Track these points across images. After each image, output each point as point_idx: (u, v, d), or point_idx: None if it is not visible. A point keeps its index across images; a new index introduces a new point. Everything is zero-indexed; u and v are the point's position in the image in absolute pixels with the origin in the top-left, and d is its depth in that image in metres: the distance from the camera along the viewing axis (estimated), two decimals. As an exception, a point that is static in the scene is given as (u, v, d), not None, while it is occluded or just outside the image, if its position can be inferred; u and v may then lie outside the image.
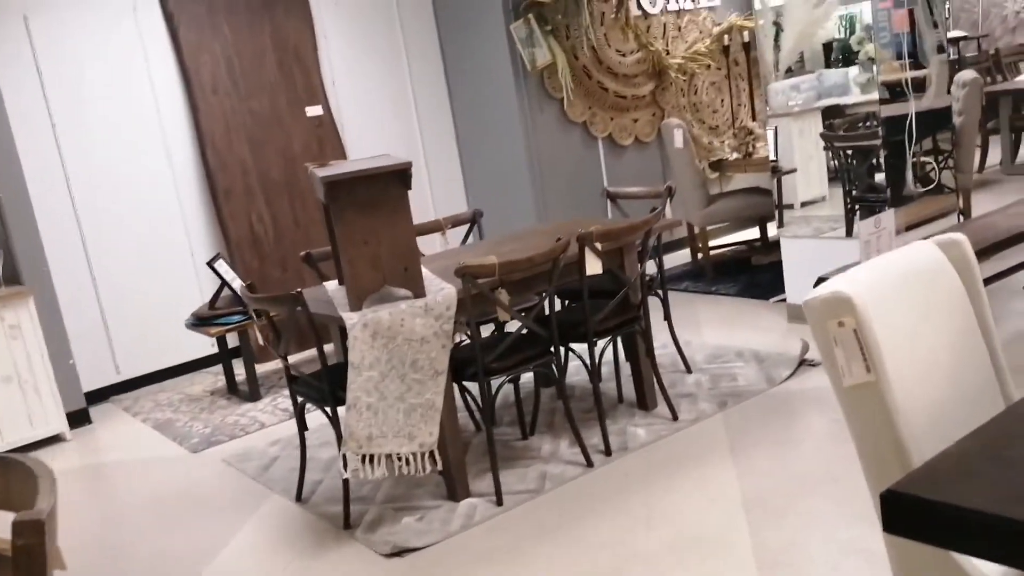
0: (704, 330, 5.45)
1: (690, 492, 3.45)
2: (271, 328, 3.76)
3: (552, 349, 3.74)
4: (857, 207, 5.51)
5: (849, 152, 5.68)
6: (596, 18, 6.93)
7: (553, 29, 6.71)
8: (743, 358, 4.81)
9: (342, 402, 3.41)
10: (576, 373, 4.84)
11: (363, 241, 3.38)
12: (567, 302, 4.65)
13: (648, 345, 4.16)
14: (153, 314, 6.09)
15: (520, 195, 6.90)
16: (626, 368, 4.46)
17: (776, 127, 5.70)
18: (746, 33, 7.75)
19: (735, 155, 6.63)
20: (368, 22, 6.96)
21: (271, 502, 3.93)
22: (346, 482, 3.54)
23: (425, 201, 7.22)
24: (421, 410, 3.44)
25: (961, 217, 5.74)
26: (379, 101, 7.04)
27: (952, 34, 6.95)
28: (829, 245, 5.26)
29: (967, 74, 6.92)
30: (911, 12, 5.40)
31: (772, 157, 5.73)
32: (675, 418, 4.14)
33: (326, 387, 3.53)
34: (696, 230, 6.73)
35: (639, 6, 7.29)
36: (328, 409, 3.55)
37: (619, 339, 4.37)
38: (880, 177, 5.39)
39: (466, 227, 4.92)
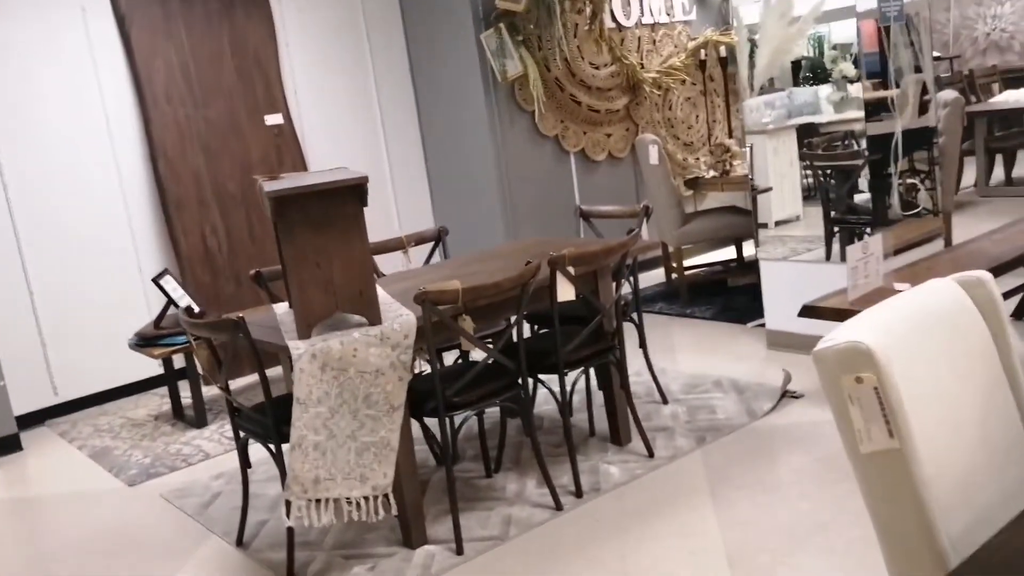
0: (680, 356, 5.19)
1: (668, 543, 3.17)
2: (212, 354, 3.44)
3: (520, 381, 3.45)
4: (836, 228, 5.30)
5: (829, 172, 5.45)
6: (569, 29, 6.68)
7: (525, 39, 6.45)
8: (722, 388, 4.54)
9: (288, 439, 3.09)
10: (545, 401, 4.55)
11: (314, 263, 3.08)
12: (536, 327, 4.37)
13: (623, 376, 3.88)
14: (96, 332, 5.73)
15: (489, 211, 6.62)
16: (598, 397, 4.18)
17: (752, 145, 5.47)
18: (722, 48, 7.53)
19: (712, 173, 6.38)
20: (333, 28, 6.66)
21: (209, 545, 3.60)
22: (290, 529, 3.22)
23: (390, 216, 6.92)
24: (375, 449, 3.13)
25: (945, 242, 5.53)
26: (343, 111, 6.73)
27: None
28: (809, 269, 5.02)
29: (948, 94, 6.74)
30: (885, 30, 5.17)
31: (750, 175, 5.50)
32: (651, 455, 3.86)
33: (270, 422, 3.22)
34: (671, 249, 6.47)
35: (613, 19, 7.04)
36: (272, 446, 3.24)
37: (591, 368, 4.09)
38: (860, 198, 5.18)
39: (430, 245, 4.63)
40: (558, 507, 3.49)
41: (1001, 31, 10.43)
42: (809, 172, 5.41)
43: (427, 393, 3.31)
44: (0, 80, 5.43)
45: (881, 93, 5.14)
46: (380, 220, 6.79)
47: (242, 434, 3.45)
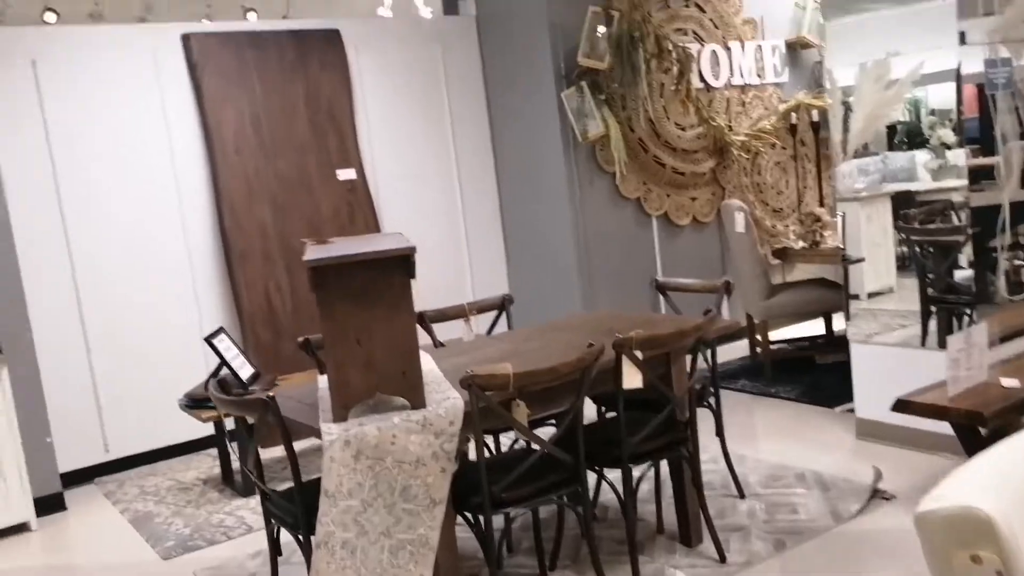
0: (760, 442, 4.78)
1: (737, 670, 2.79)
2: (246, 430, 3.20)
3: (579, 475, 3.12)
4: (934, 308, 4.85)
5: (926, 246, 5.02)
6: (655, 89, 6.39)
7: (607, 99, 6.19)
8: (805, 483, 4.13)
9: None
10: (610, 489, 4.20)
11: (354, 339, 2.82)
12: (603, 408, 4.03)
13: (695, 472, 3.51)
14: (152, 389, 5.57)
15: (564, 276, 6.33)
16: (667, 487, 3.81)
17: (844, 213, 5.09)
18: (815, 112, 7.16)
19: (801, 244, 5.99)
20: (411, 81, 6.50)
21: (236, 636, 3.34)
22: (315, 634, 2.93)
23: (463, 279, 6.68)
24: (411, 548, 2.83)
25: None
26: (419, 167, 6.54)
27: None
28: (904, 353, 4.59)
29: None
30: (991, 96, 4.74)
31: (842, 247, 5.11)
32: (722, 559, 3.47)
33: (299, 510, 2.95)
34: (756, 322, 6.08)
35: (702, 79, 6.74)
36: (301, 536, 2.96)
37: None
38: (961, 275, 4.74)
39: (494, 314, 4.35)
40: (615, 618, 3.13)
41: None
42: (904, 241, 5.01)
43: (474, 484, 3.00)
44: (66, 126, 5.37)
45: (984, 160, 4.72)
46: (453, 283, 6.57)
47: (272, 520, 3.19)
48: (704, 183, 6.80)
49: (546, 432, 4.06)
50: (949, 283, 4.78)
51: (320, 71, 6.12)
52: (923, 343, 4.65)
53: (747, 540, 3.64)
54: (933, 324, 4.78)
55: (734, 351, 6.47)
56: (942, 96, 4.81)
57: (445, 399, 2.95)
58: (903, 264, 5.05)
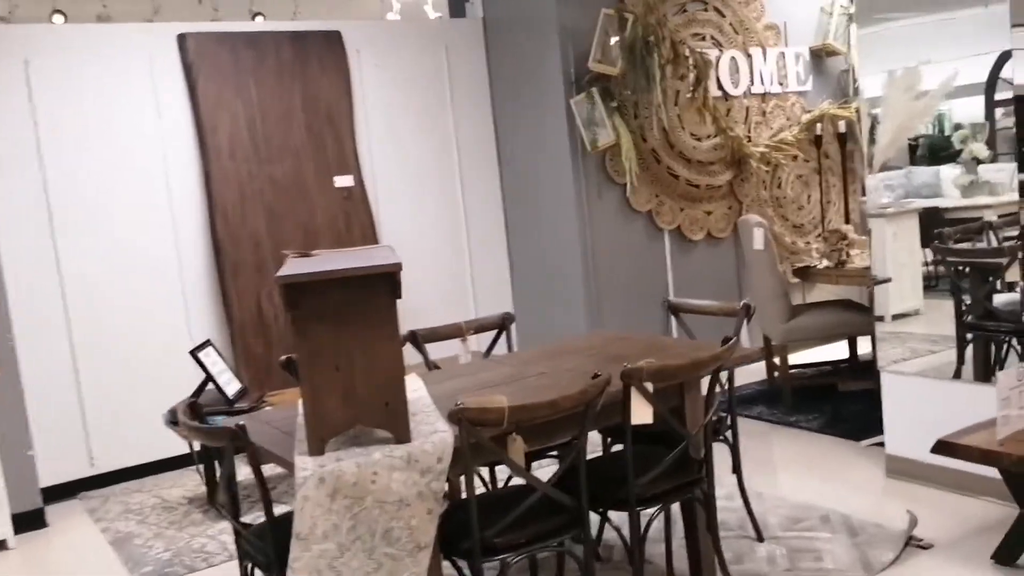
0: (780, 477, 4.46)
1: None
2: (217, 459, 2.90)
3: (581, 518, 2.80)
4: (970, 335, 4.51)
5: (962, 269, 4.68)
6: (670, 97, 6.09)
7: (619, 106, 5.88)
8: (830, 526, 3.79)
9: None
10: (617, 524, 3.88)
11: (332, 365, 2.51)
12: (608, 440, 3.72)
13: (710, 515, 3.18)
14: (139, 401, 5.29)
15: (571, 294, 6.01)
16: (678, 526, 3.49)
17: (870, 230, 4.78)
18: (841, 123, 6.84)
19: (825, 262, 5.67)
20: (414, 86, 6.21)
21: None
22: None
23: (465, 294, 6.38)
24: (391, 600, 2.52)
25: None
26: (420, 176, 6.25)
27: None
28: (940, 387, 4.25)
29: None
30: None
31: (871, 267, 4.79)
32: (739, 611, 3.16)
33: (271, 550, 2.64)
34: (774, 343, 5.75)
35: (719, 86, 6.42)
36: (273, 580, 2.66)
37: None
38: (1003, 300, 4.41)
39: (493, 333, 4.04)
40: None
41: None
42: (930, 261, 4.69)
43: (464, 526, 2.69)
44: (56, 128, 5.12)
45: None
46: (456, 298, 6.28)
47: (245, 561, 2.88)
48: (720, 196, 6.49)
49: (547, 465, 3.76)
50: (988, 309, 4.45)
51: (319, 74, 5.84)
52: (959, 374, 4.31)
53: (766, 589, 3.32)
54: (968, 351, 4.46)
55: (750, 374, 6.13)
56: (968, 110, 4.52)
57: (433, 432, 2.64)
58: (930, 284, 4.75)
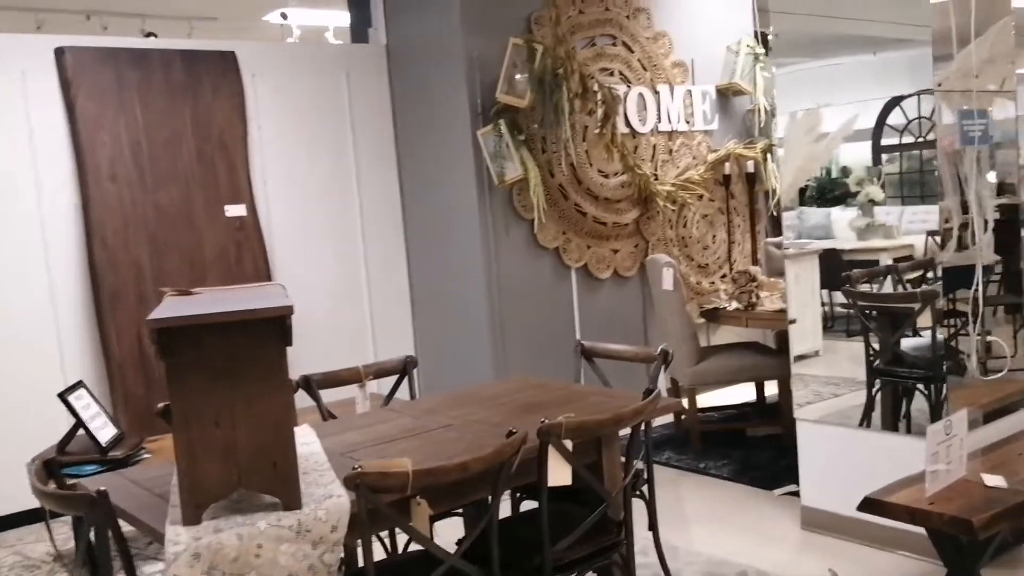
0: (694, 529, 4.27)
1: None
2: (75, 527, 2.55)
3: (490, 588, 2.54)
4: (877, 382, 4.42)
5: (869, 313, 4.60)
6: (578, 132, 5.93)
7: (527, 140, 5.68)
8: (747, 584, 3.62)
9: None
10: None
11: (211, 421, 2.21)
12: (519, 495, 3.47)
13: (628, 581, 2.96)
14: (5, 446, 4.82)
15: (476, 334, 5.76)
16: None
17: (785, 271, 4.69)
18: (749, 163, 6.80)
19: (735, 304, 5.55)
20: (313, 113, 5.91)
21: None
22: None
23: (363, 335, 6.07)
24: None
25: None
26: (317, 206, 5.94)
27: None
28: (853, 437, 4.13)
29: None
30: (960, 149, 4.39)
31: (785, 307, 4.69)
32: None
33: (138, 636, 2.31)
34: (681, 386, 5.60)
35: (627, 123, 6.29)
36: (136, 672, 2.32)
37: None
38: (910, 345, 4.34)
39: (394, 379, 3.76)
40: None
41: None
42: (826, 303, 4.64)
43: (361, 603, 2.40)
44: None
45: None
46: (353, 339, 5.96)
47: (104, 643, 2.52)
48: (627, 235, 6.34)
49: (453, 521, 3.49)
50: (897, 354, 4.37)
51: (212, 97, 5.50)
52: (868, 421, 4.21)
53: (684, 656, 3.10)
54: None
55: (657, 418, 5.97)
56: (853, 154, 4.53)
57: (328, 496, 2.35)
58: (826, 326, 4.68)
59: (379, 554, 3.23)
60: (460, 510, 3.36)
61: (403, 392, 3.79)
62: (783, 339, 5.45)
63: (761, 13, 6.84)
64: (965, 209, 3.98)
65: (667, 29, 6.50)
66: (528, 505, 3.24)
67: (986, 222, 4.09)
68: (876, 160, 4.63)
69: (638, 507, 3.35)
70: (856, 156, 4.76)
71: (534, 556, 2.66)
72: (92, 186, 5.06)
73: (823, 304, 4.66)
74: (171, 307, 2.34)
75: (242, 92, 5.60)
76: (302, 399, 3.70)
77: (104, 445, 4.09)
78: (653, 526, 3.43)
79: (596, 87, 5.90)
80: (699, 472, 5.06)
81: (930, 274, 4.12)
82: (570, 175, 5.93)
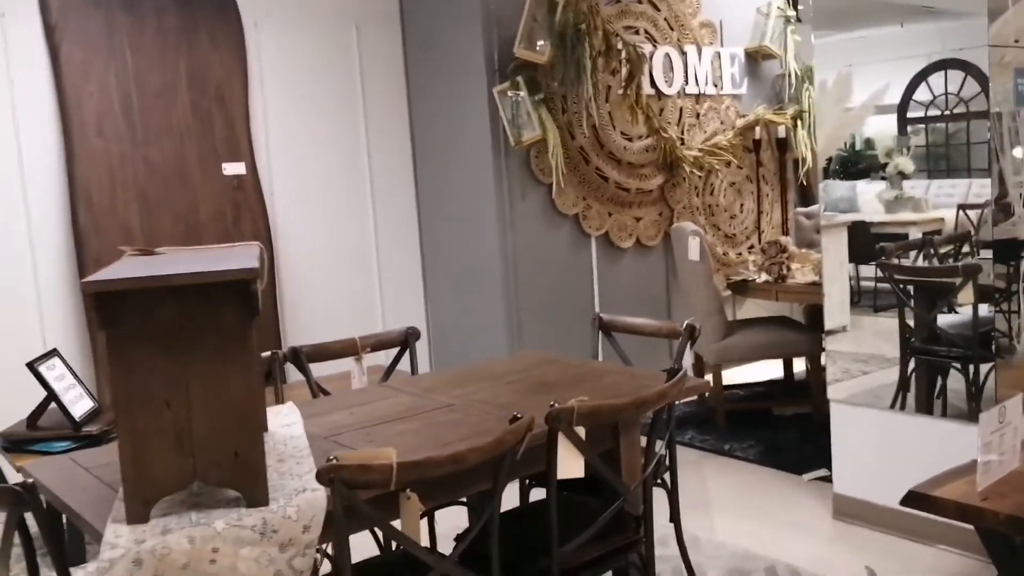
0: (718, 518, 3.93)
1: None
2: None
3: (490, 595, 2.21)
4: (913, 360, 4.08)
5: (905, 288, 4.26)
6: (601, 91, 5.55)
7: (546, 99, 5.31)
8: (777, 581, 3.28)
9: None
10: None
11: (161, 401, 1.88)
12: (528, 482, 3.14)
13: (647, 585, 2.63)
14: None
15: (490, 303, 5.42)
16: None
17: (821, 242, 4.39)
18: (781, 128, 6.40)
19: (764, 276, 5.19)
20: (319, 66, 5.55)
21: None
22: None
23: (372, 305, 5.73)
24: None
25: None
26: (323, 166, 5.59)
27: None
28: (886, 418, 3.79)
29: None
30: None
31: (818, 279, 4.36)
32: None
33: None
34: (706, 361, 5.26)
35: (653, 84, 5.91)
36: None
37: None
38: (947, 322, 4.00)
39: (395, 352, 3.43)
40: None
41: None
42: (854, 276, 4.36)
43: (340, 611, 2.08)
44: None
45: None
46: (362, 310, 5.64)
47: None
48: (651, 202, 5.97)
49: (456, 512, 3.17)
50: (935, 331, 4.02)
51: (209, 47, 5.15)
52: (902, 404, 3.86)
53: (709, 667, 2.77)
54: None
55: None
56: (878, 127, 4.26)
57: (301, 491, 2.02)
58: (853, 300, 4.38)
59: (372, 551, 2.92)
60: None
61: (407, 365, 3.46)
62: (813, 313, 5.11)
63: (792, -26, 6.45)
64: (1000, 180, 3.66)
65: (695, -13, 6.10)
66: (538, 494, 2.91)
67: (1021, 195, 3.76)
68: (902, 132, 4.36)
69: (659, 496, 3.03)
70: (881, 128, 4.49)
71: (541, 558, 2.33)
72: (77, 141, 4.73)
73: (852, 278, 4.39)
74: (120, 269, 2.01)
75: (243, 42, 5.24)
76: (296, 374, 3.39)
77: (78, 420, 3.78)
78: (675, 518, 3.10)
79: (620, 45, 5.52)
80: (723, 454, 4.72)
81: (965, 248, 3.86)
82: (592, 137, 5.56)
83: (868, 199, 4.52)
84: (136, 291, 1.81)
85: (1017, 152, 3.72)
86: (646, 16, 5.89)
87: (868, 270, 4.34)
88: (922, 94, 4.08)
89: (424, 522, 3.31)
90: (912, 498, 2.79)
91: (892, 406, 3.83)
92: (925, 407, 3.89)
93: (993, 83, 3.43)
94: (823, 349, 4.25)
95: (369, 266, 5.77)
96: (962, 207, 3.97)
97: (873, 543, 3.53)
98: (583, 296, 5.63)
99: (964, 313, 3.85)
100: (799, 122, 6.39)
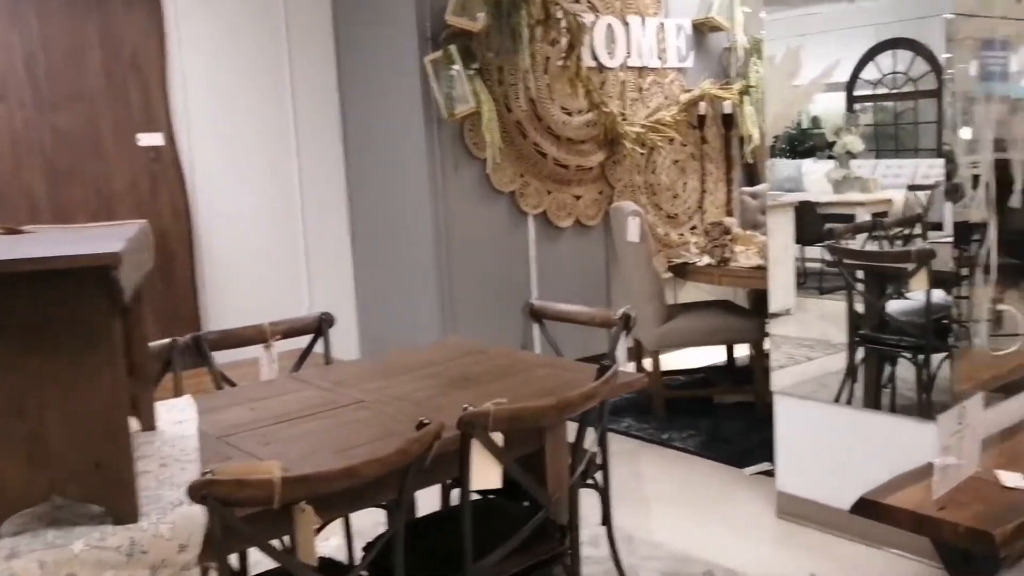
0: (654, 514, 3.76)
1: None
2: None
3: (396, 614, 2.00)
4: (861, 349, 3.93)
5: (859, 274, 4.10)
6: (539, 63, 5.32)
7: (481, 69, 5.07)
8: (714, 584, 3.12)
9: None
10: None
11: (13, 408, 1.63)
12: (448, 482, 2.92)
13: (573, 597, 2.43)
14: None
15: (421, 285, 5.19)
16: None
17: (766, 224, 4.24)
18: (726, 104, 6.22)
19: (706, 259, 5.01)
20: (242, 31, 5.25)
21: None
22: None
23: (299, 286, 5.47)
24: None
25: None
26: (246, 137, 5.29)
27: None
28: (838, 412, 3.63)
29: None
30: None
31: (763, 263, 4.22)
32: None
33: None
34: (644, 347, 5.08)
35: (594, 56, 5.68)
36: None
37: None
38: (897, 309, 3.86)
39: (308, 339, 3.19)
40: None
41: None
42: (800, 258, 4.24)
43: (225, 637, 1.85)
44: None
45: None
46: (287, 291, 5.37)
47: None
48: (591, 179, 5.77)
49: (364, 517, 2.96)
50: (884, 319, 3.87)
51: (123, 9, 4.83)
52: (847, 397, 3.71)
53: None
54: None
55: (617, 380, 5.45)
56: (824, 105, 4.15)
57: (179, 504, 1.79)
58: (801, 282, 4.23)
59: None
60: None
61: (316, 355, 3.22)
62: (757, 298, 4.95)
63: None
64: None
65: (641, -47, 5.88)
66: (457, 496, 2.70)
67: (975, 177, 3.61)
68: (850, 111, 4.23)
69: (589, 496, 2.84)
70: (829, 106, 4.36)
71: (455, 573, 2.12)
72: (-22, 105, 4.41)
73: (795, 259, 4.25)
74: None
75: (159, 5, 4.93)
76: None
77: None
78: (607, 522, 2.91)
79: (560, 13, 5.29)
80: (662, 444, 4.55)
81: (917, 229, 3.71)
82: (529, 111, 5.33)
83: (815, 179, 4.39)
84: (-25, 279, 1.56)
85: (966, 132, 3.58)
86: (588, -17, 5.66)
87: (814, 251, 4.19)
88: (870, 73, 3.95)
89: (339, 522, 3.10)
90: (863, 506, 2.63)
91: (838, 398, 3.68)
92: (874, 399, 3.75)
93: (952, 58, 3.25)
94: (767, 335, 4.09)
95: (296, 244, 5.51)
96: (912, 187, 3.84)
97: (819, 545, 3.37)
98: (519, 277, 5.42)
99: (916, 299, 3.70)
100: (745, 98, 6.23)
